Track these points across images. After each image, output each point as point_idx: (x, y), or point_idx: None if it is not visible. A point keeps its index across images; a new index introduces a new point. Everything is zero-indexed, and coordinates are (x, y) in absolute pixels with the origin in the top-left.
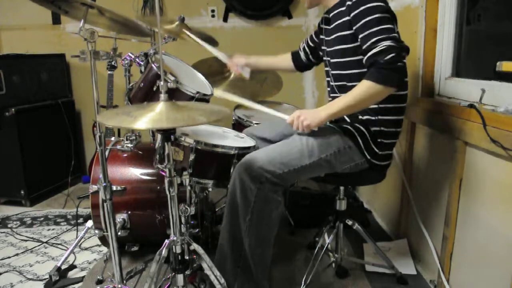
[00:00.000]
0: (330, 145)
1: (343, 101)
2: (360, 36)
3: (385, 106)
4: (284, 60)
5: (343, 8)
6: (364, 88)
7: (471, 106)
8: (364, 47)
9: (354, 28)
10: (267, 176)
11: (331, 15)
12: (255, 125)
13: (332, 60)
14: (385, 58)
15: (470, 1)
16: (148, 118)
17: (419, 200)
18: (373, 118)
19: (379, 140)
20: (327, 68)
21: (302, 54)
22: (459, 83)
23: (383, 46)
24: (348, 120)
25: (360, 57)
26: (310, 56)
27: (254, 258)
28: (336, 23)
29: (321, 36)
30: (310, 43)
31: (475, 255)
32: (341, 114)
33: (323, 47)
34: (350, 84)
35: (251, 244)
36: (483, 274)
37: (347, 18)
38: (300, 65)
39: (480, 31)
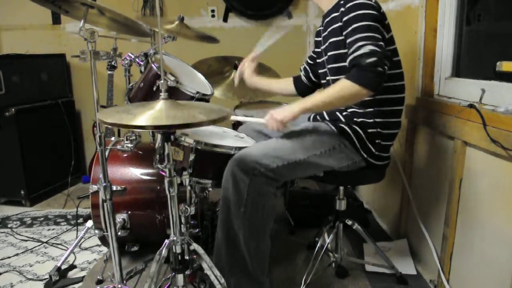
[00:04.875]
0: (325, 143)
1: (318, 97)
2: (348, 40)
3: (382, 109)
4: (285, 84)
5: (337, 14)
6: (342, 86)
7: (471, 106)
8: (349, 50)
9: (344, 33)
10: (261, 170)
11: (325, 22)
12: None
13: (329, 66)
14: (367, 61)
15: (470, 1)
16: (148, 116)
17: (419, 200)
18: (369, 120)
19: (377, 141)
20: (324, 80)
21: (302, 74)
22: (459, 83)
23: (367, 49)
24: (343, 119)
25: None
26: (310, 75)
27: (250, 251)
28: (330, 29)
29: (317, 50)
30: (309, 61)
31: (475, 255)
32: (315, 110)
33: (319, 60)
34: None
35: (245, 236)
36: (483, 274)
37: (340, 24)
38: (302, 88)
39: (480, 31)
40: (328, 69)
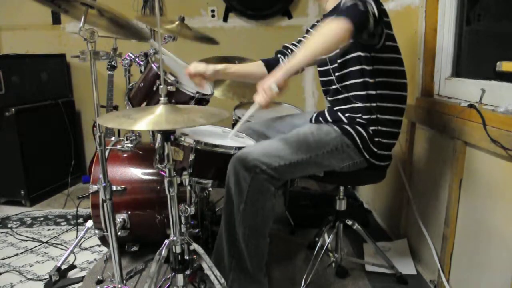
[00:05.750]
0: (328, 143)
1: (300, 51)
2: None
3: (384, 105)
4: (257, 67)
5: None
6: (322, 29)
7: (471, 106)
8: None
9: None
10: (262, 168)
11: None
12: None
13: (334, 65)
14: (348, 4)
15: (470, 1)
16: (148, 121)
17: (419, 200)
18: (372, 116)
19: (376, 139)
20: (326, 78)
21: (283, 52)
22: (459, 83)
23: (352, 1)
24: (345, 120)
25: (362, 66)
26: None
27: (249, 249)
28: None
29: None
30: (298, 45)
31: (475, 255)
32: (299, 64)
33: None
34: (353, 81)
35: (245, 234)
36: (483, 274)
37: None
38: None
39: (480, 31)
40: (332, 68)
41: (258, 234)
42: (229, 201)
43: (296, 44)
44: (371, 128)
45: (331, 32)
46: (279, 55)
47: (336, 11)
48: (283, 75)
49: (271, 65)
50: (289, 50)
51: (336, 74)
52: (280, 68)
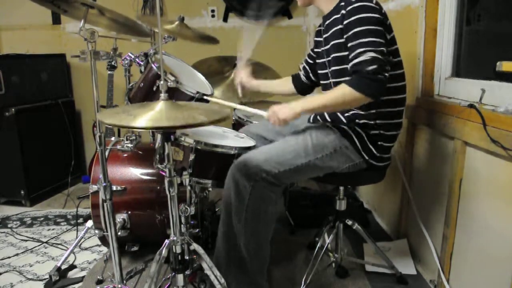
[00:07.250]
0: (326, 146)
1: (320, 100)
2: (349, 45)
3: (384, 110)
4: (285, 83)
5: (338, 16)
6: (342, 92)
7: (471, 106)
8: (350, 56)
9: (345, 36)
10: (263, 175)
11: (326, 23)
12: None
13: (331, 69)
14: (368, 68)
15: (470, 1)
16: (148, 117)
17: (419, 200)
18: (371, 122)
19: (379, 143)
20: (325, 81)
21: (302, 73)
22: (459, 83)
23: (368, 56)
24: (345, 121)
25: None
26: (310, 74)
27: (251, 256)
28: (332, 31)
29: (317, 50)
30: (309, 60)
31: (475, 255)
32: (315, 111)
33: (318, 60)
34: None
35: (246, 241)
36: (483, 274)
37: (341, 26)
38: (301, 87)
39: (480, 31)
40: (330, 72)
41: (260, 240)
42: (227, 209)
43: (309, 61)
44: (371, 132)
45: (350, 103)
46: (301, 73)
47: (336, 13)
48: (299, 115)
49: (297, 81)
50: (305, 69)
51: (333, 80)
52: (301, 106)
